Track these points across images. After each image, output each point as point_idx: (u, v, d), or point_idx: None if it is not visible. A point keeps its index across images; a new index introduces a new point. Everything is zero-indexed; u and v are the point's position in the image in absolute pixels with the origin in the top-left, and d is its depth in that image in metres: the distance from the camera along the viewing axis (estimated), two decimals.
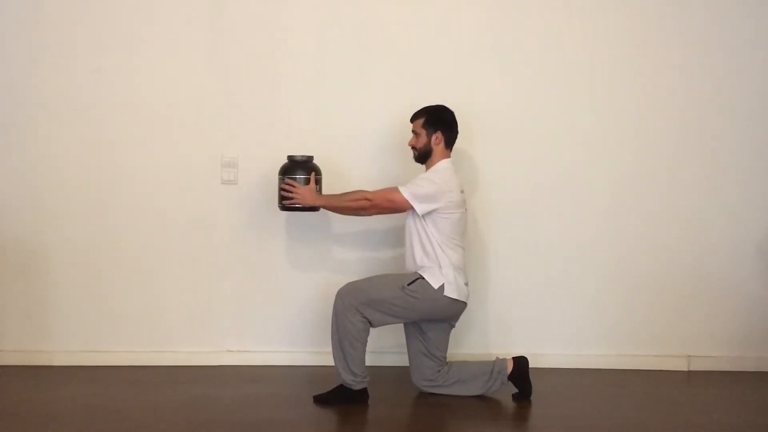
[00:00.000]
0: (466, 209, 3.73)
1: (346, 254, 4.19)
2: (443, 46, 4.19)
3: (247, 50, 4.11)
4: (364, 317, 3.52)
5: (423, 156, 3.72)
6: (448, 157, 3.72)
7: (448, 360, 3.77)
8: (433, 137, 3.68)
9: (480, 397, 3.70)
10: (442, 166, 3.67)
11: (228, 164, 4.11)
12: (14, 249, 4.05)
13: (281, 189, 3.69)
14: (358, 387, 3.55)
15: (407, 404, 3.64)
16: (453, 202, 3.60)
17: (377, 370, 3.95)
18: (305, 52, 4.13)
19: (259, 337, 4.17)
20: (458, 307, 3.64)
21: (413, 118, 3.74)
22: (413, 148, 3.75)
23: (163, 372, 4.00)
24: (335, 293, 3.57)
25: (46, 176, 4.05)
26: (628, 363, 4.28)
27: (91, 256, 4.08)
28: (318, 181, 3.71)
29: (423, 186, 3.58)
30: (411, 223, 3.66)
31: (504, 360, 3.72)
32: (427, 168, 3.72)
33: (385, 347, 4.15)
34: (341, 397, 3.55)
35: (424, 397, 3.71)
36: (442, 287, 3.55)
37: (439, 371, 3.70)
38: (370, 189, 3.73)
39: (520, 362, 3.71)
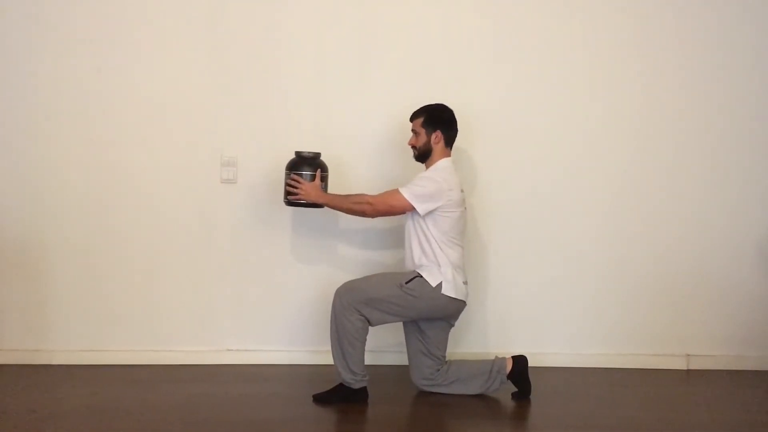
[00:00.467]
0: (465, 208, 3.73)
1: (345, 253, 4.19)
2: (443, 46, 4.19)
3: (246, 49, 4.11)
4: (363, 316, 3.52)
5: (423, 155, 3.72)
6: (448, 156, 3.72)
7: (447, 359, 3.77)
8: (433, 136, 3.68)
9: (479, 396, 3.70)
10: (441, 165, 3.67)
11: (227, 163, 4.11)
12: (14, 248, 4.05)
13: (287, 184, 3.70)
14: (357, 386, 3.55)
15: (407, 403, 3.64)
16: (453, 201, 3.60)
17: (377, 369, 3.95)
18: (305, 51, 4.14)
19: (259, 336, 4.18)
20: (457, 305, 3.64)
21: (413, 117, 3.74)
22: (413, 147, 3.75)
23: (163, 371, 4.00)
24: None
25: (45, 175, 4.05)
26: (628, 362, 4.28)
27: (91, 255, 4.08)
28: (324, 178, 3.71)
29: (423, 185, 3.58)
30: (410, 221, 3.66)
31: (503, 359, 3.72)
32: (427, 167, 3.72)
33: (385, 346, 4.15)
34: (341, 396, 3.56)
35: (423, 396, 3.71)
36: (440, 285, 3.56)
37: (439, 370, 3.70)
38: (370, 189, 3.75)
39: (520, 361, 3.71)
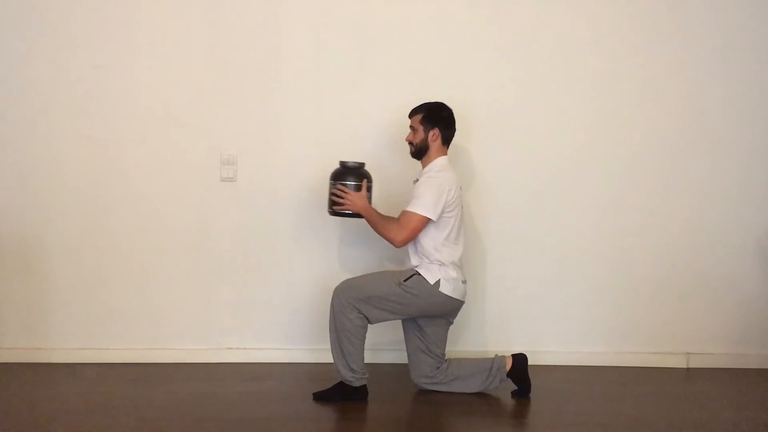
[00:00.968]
0: (462, 206, 3.72)
1: (344, 251, 4.19)
2: (442, 44, 4.18)
3: (246, 47, 4.11)
4: (362, 314, 3.52)
5: (420, 152, 3.71)
6: (445, 154, 3.72)
7: (447, 357, 3.77)
8: (431, 133, 3.68)
9: (479, 395, 3.70)
10: (438, 164, 3.67)
11: (227, 161, 4.11)
12: (12, 247, 4.05)
13: (332, 194, 3.65)
14: (357, 384, 3.55)
15: (406, 401, 3.64)
16: (452, 200, 3.60)
17: (376, 368, 3.96)
18: (304, 48, 4.13)
19: (259, 334, 4.18)
20: (455, 303, 3.64)
21: (411, 114, 3.74)
22: (410, 143, 3.74)
23: (163, 369, 4.00)
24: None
25: (44, 174, 4.04)
26: (628, 360, 4.28)
27: (90, 254, 4.08)
28: (369, 188, 3.68)
29: (427, 194, 3.56)
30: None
31: (503, 357, 3.72)
32: (424, 165, 3.72)
33: (384, 344, 4.16)
34: (341, 394, 3.56)
35: (423, 394, 3.71)
36: (438, 283, 3.56)
37: (438, 368, 3.70)
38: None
39: (520, 359, 3.71)
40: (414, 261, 3.65)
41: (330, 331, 3.57)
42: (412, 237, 3.58)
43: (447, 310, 3.65)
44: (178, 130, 4.10)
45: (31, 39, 4.01)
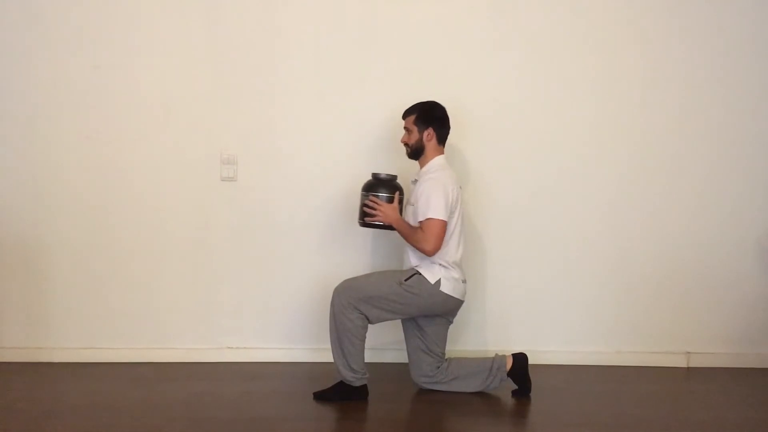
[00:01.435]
0: (461, 205, 3.72)
1: (345, 251, 4.19)
2: (442, 44, 4.18)
3: (246, 47, 4.11)
4: (362, 314, 3.52)
5: (416, 152, 3.71)
6: (441, 153, 3.72)
7: (447, 357, 3.77)
8: (425, 134, 3.67)
9: (479, 394, 3.70)
10: (436, 164, 3.67)
11: (227, 161, 4.11)
12: (13, 246, 4.05)
13: (364, 205, 3.65)
14: (357, 384, 3.56)
15: (407, 401, 3.64)
16: (453, 199, 3.60)
17: (377, 367, 3.96)
18: (304, 49, 4.13)
19: (259, 333, 4.18)
20: (455, 302, 3.64)
21: (405, 115, 3.74)
22: (405, 144, 3.74)
23: (163, 368, 4.01)
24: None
25: (44, 174, 4.05)
26: (628, 360, 4.28)
27: (91, 253, 4.08)
28: (401, 201, 3.67)
29: (433, 197, 3.55)
30: (410, 220, 3.65)
31: (503, 357, 3.73)
32: (421, 165, 3.71)
33: (385, 344, 4.16)
34: (341, 394, 3.56)
35: (423, 393, 3.71)
36: (438, 282, 3.56)
37: (438, 368, 3.70)
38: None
39: (520, 359, 3.71)
40: (414, 261, 3.65)
41: (330, 331, 3.57)
42: (440, 243, 3.56)
43: (447, 309, 3.65)
44: (178, 129, 4.10)
45: (31, 39, 4.01)
